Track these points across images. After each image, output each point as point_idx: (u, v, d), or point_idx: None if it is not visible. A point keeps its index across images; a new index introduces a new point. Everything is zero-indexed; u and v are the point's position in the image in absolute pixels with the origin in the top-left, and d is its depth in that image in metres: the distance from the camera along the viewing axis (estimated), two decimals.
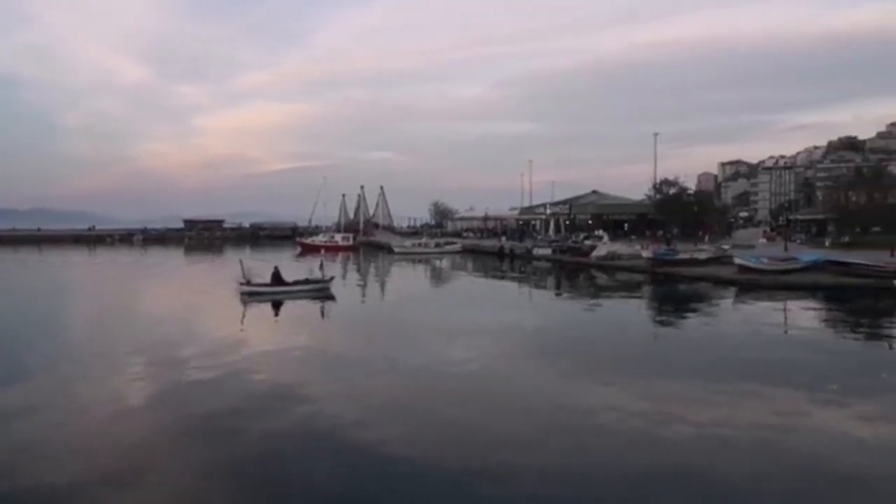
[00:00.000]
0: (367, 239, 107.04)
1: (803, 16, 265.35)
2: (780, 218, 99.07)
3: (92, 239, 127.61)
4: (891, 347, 22.00)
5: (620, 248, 55.45)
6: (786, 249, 47.11)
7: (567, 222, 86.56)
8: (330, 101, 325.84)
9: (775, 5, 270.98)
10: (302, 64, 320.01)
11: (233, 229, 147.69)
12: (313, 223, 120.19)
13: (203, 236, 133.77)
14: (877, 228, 54.04)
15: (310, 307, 31.32)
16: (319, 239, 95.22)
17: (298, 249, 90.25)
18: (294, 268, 46.13)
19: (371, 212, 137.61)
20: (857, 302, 30.17)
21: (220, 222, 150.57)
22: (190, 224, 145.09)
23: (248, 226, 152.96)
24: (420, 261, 68.73)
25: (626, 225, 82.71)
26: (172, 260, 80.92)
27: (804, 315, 28.18)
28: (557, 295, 37.23)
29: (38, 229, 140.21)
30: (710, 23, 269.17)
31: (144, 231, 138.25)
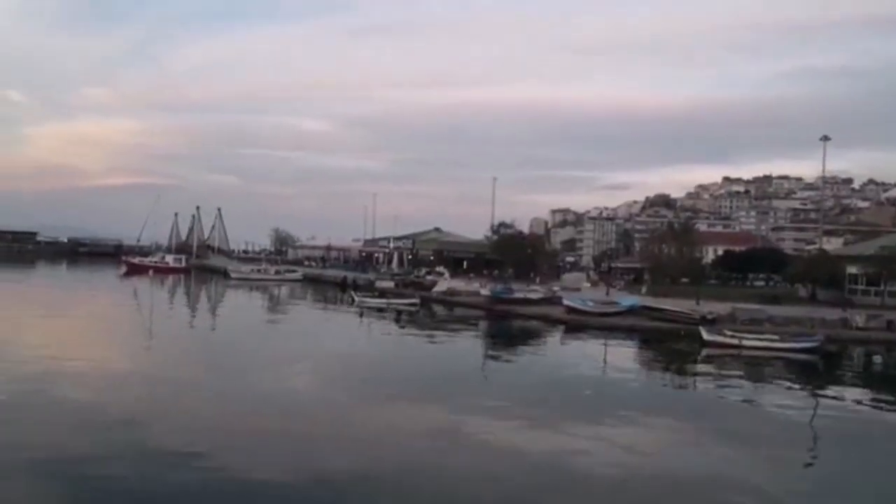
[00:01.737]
0: (200, 262, 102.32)
1: (620, 92, 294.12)
2: (603, 264, 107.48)
3: None
4: (695, 387, 24.82)
5: (460, 284, 57.43)
6: (608, 294, 51.19)
7: (410, 256, 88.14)
8: (171, 124, 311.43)
9: (593, 82, 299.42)
10: (144, 87, 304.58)
11: (48, 243, 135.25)
12: (142, 242, 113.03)
13: (13, 248, 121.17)
14: (685, 279, 60.16)
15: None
16: (149, 259, 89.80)
17: (124, 269, 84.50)
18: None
19: (206, 234, 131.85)
20: (667, 344, 33.53)
21: (34, 234, 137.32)
22: None
23: (66, 240, 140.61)
24: (258, 287, 66.88)
25: (465, 262, 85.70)
26: None
27: (620, 353, 31.00)
28: (401, 327, 37.91)
29: None
30: (538, 90, 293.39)
31: None
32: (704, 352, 30.46)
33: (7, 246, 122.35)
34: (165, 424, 14.55)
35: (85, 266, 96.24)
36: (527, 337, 36.22)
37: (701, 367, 28.23)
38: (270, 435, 14.06)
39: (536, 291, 50.86)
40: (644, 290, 55.45)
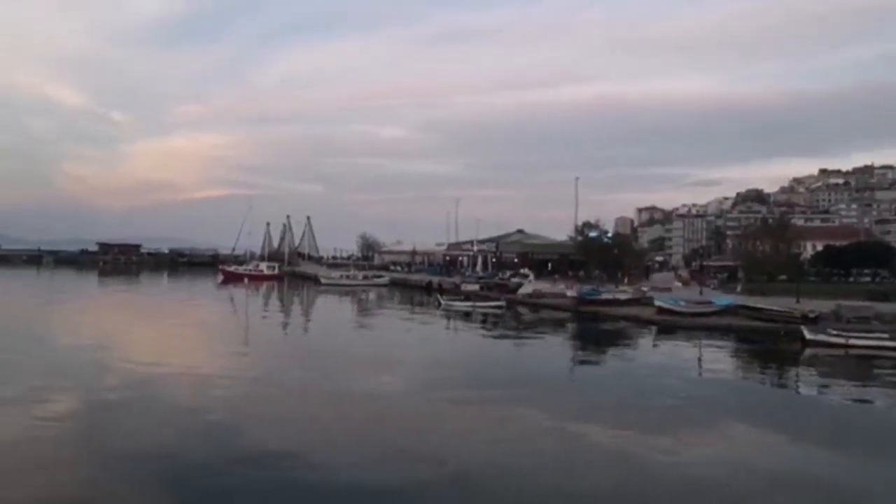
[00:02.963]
0: (292, 269, 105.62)
1: (709, 87, 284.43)
2: (694, 263, 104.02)
3: None
4: (798, 391, 23.69)
5: (545, 286, 57.02)
6: (701, 293, 49.61)
7: (493, 259, 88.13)
8: (260, 136, 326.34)
9: (677, 77, 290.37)
10: (234, 101, 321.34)
11: (150, 254, 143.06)
12: (237, 251, 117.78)
13: (119, 260, 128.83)
14: (782, 276, 57.58)
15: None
16: (244, 268, 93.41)
17: (221, 277, 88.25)
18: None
19: (297, 242, 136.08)
20: (766, 344, 32.17)
21: (137, 247, 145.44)
22: (105, 247, 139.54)
23: (166, 251, 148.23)
24: (347, 293, 68.44)
25: (549, 264, 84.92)
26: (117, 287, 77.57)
27: (716, 354, 29.96)
28: (487, 330, 38.01)
29: None
30: (618, 88, 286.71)
31: (55, 252, 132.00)
32: (807, 352, 29.10)
33: (114, 258, 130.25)
34: (262, 424, 15.24)
35: (185, 275, 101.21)
36: (617, 339, 35.56)
37: (804, 369, 26.98)
38: (364, 435, 14.40)
39: (625, 292, 49.93)
40: (739, 288, 53.49)
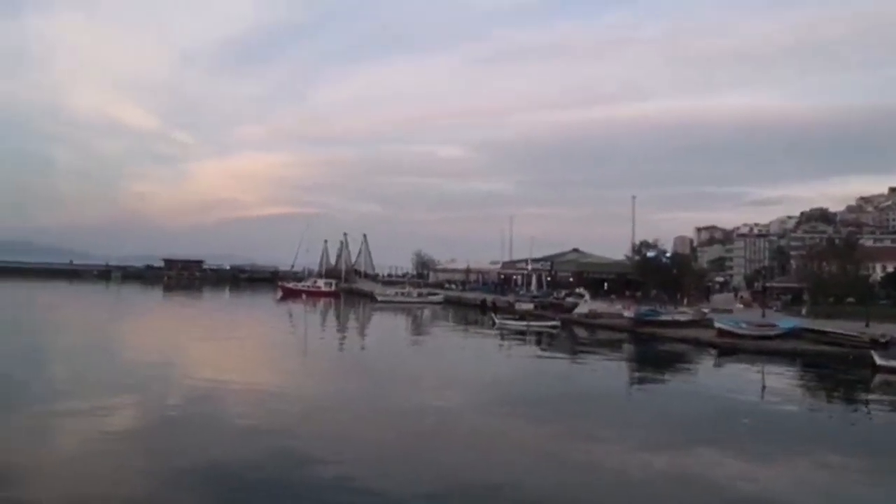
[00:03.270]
0: (348, 286, 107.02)
1: (769, 101, 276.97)
2: (756, 284, 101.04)
3: (68, 273, 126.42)
4: (870, 419, 22.78)
5: (601, 306, 56.33)
6: (763, 315, 48.23)
7: (548, 278, 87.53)
8: (318, 156, 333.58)
9: (736, 94, 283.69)
10: (295, 121, 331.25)
11: (213, 270, 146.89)
12: (295, 268, 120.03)
13: (182, 276, 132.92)
14: (850, 299, 55.49)
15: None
16: (302, 284, 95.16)
17: (280, 293, 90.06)
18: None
19: (353, 259, 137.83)
20: (833, 370, 31.05)
21: (200, 263, 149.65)
22: (169, 263, 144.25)
23: (228, 267, 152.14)
24: (402, 310, 68.97)
25: (605, 284, 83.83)
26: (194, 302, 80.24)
27: (780, 379, 29.01)
28: (542, 349, 37.78)
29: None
30: (676, 104, 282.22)
31: (123, 268, 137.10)
32: (878, 378, 27.96)
33: (177, 274, 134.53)
34: (317, 438, 15.64)
35: (245, 291, 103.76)
36: (675, 361, 34.86)
37: (874, 396, 25.92)
38: (416, 451, 14.54)
39: (684, 313, 48.94)
40: (804, 311, 51.76)
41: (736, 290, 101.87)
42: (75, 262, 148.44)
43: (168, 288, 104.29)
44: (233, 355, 31.47)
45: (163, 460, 13.37)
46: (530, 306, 61.91)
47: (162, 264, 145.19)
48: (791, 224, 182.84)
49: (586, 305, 56.60)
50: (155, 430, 15.79)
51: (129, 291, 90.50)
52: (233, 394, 20.69)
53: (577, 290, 69.77)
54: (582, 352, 38.31)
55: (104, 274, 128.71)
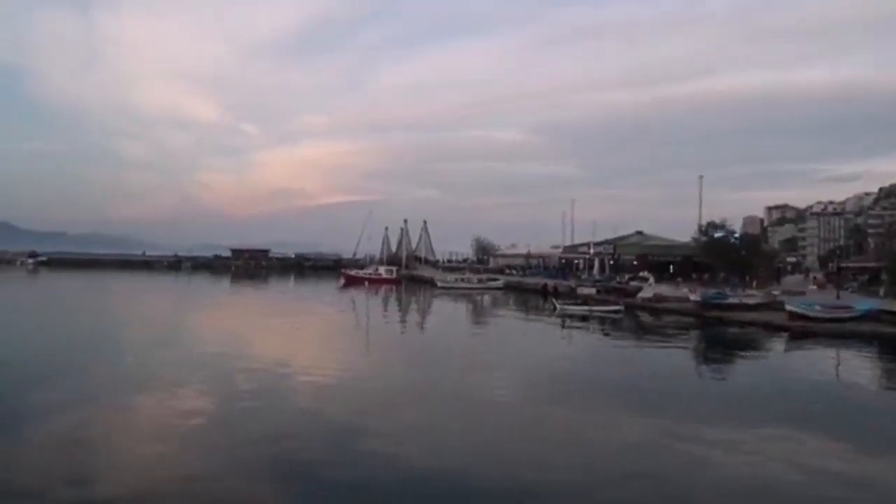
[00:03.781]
0: (409, 272, 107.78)
1: (844, 74, 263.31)
2: (830, 264, 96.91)
3: (141, 264, 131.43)
4: None
5: (667, 290, 55.10)
6: (838, 297, 46.30)
7: (611, 262, 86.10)
8: (379, 143, 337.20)
9: (806, 67, 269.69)
10: (356, 110, 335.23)
11: (278, 259, 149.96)
12: (357, 255, 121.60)
13: (249, 265, 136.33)
14: None
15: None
16: (364, 272, 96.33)
17: (342, 281, 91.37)
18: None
19: (413, 246, 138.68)
20: None
21: (266, 252, 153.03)
22: (236, 252, 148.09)
23: (293, 256, 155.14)
24: (462, 296, 69.04)
25: (671, 267, 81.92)
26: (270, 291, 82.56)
27: (856, 363, 27.77)
28: (605, 335, 37.21)
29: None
30: (745, 80, 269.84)
31: (192, 258, 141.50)
32: None
33: (244, 263, 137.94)
34: (379, 424, 15.65)
35: (309, 279, 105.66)
36: (744, 345, 33.81)
37: None
38: (481, 441, 14.44)
39: (754, 296, 47.46)
40: (882, 291, 49.39)
41: (808, 271, 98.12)
42: (147, 253, 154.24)
43: (235, 277, 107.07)
44: (300, 342, 32.05)
45: (235, 444, 13.67)
46: (592, 291, 61.11)
47: (229, 254, 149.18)
48: (868, 201, 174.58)
49: (651, 289, 55.52)
50: (228, 414, 16.22)
51: (199, 281, 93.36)
52: (301, 380, 21.10)
53: (641, 274, 68.52)
54: (647, 337, 37.54)
55: (174, 264, 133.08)
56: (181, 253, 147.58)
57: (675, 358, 29.94)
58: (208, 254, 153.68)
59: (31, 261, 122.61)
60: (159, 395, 18.21)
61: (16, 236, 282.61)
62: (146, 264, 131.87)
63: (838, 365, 28.14)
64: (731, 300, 45.59)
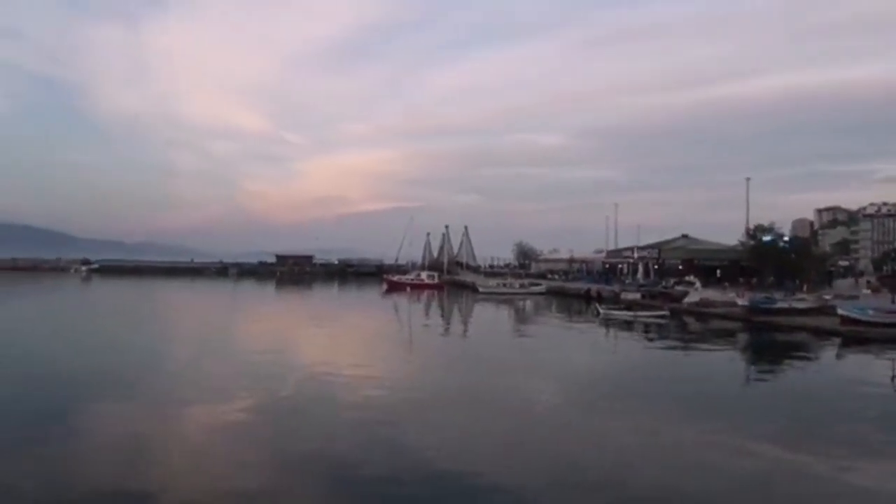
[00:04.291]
0: (451, 278, 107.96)
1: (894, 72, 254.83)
2: (885, 268, 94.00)
3: (190, 270, 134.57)
4: None
5: (713, 294, 54.11)
6: (893, 301, 44.78)
7: (656, 266, 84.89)
8: (420, 150, 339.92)
9: (863, 65, 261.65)
10: (397, 117, 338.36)
11: (322, 265, 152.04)
12: (399, 261, 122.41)
13: (294, 271, 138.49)
14: None
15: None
16: (406, 277, 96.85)
17: (385, 286, 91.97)
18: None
19: (455, 251, 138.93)
20: None
21: (310, 258, 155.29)
22: (281, 259, 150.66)
23: (336, 262, 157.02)
24: (504, 301, 68.87)
25: (717, 271, 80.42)
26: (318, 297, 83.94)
27: None
28: (650, 340, 36.70)
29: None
30: (794, 80, 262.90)
31: (238, 265, 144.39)
32: None
33: (289, 269, 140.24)
34: (420, 427, 15.78)
35: (352, 285, 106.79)
36: (794, 351, 32.93)
37: None
38: (524, 446, 14.41)
39: (804, 300, 46.28)
40: None
41: (862, 275, 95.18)
42: (195, 259, 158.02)
43: (280, 283, 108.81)
44: (345, 347, 32.43)
45: (281, 447, 13.94)
46: (637, 296, 60.34)
47: (274, 260, 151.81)
48: None
49: (697, 294, 54.58)
50: (275, 418, 16.54)
51: (246, 287, 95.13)
52: (346, 384, 21.32)
53: (687, 278, 67.49)
54: (693, 342, 36.88)
55: (221, 270, 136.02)
56: (226, 260, 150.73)
57: (723, 364, 29.38)
58: (253, 260, 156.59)
59: (84, 268, 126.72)
60: (213, 398, 18.68)
61: (73, 245, 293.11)
62: (194, 271, 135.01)
63: (894, 372, 27.24)
64: (781, 305, 44.51)
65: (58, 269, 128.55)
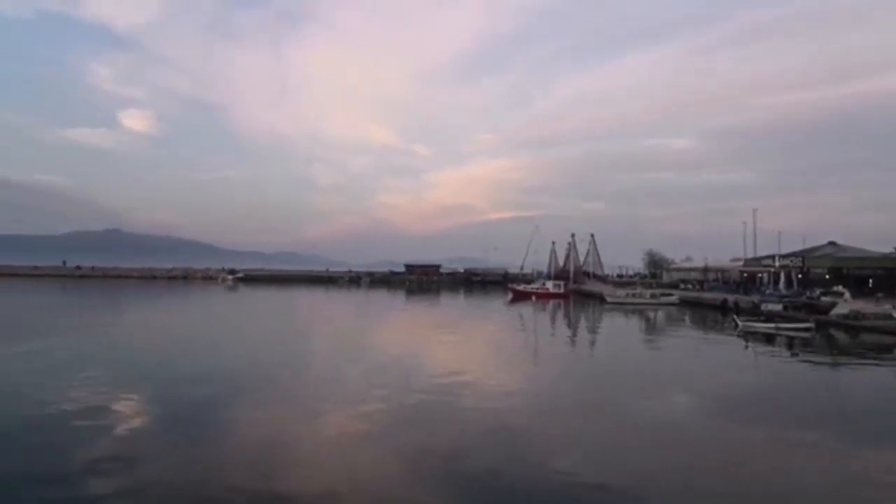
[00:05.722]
0: (577, 287, 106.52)
1: None
2: None
3: (324, 279, 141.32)
4: None
5: (866, 306, 50.14)
6: None
7: (799, 276, 79.72)
8: (545, 158, 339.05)
9: None
10: (522, 126, 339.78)
11: (448, 274, 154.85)
12: (524, 270, 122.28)
13: (422, 280, 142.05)
14: None
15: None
16: (531, 286, 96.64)
17: (510, 296, 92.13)
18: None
19: (581, 260, 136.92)
20: None
21: (437, 267, 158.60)
22: (410, 268, 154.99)
23: (462, 271, 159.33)
24: (633, 311, 67.06)
25: (870, 281, 74.36)
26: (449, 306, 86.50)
27: None
28: (794, 355, 34.56)
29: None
30: None
31: (370, 274, 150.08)
32: None
33: (418, 278, 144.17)
34: (557, 438, 15.74)
35: (478, 294, 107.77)
36: None
37: None
38: (658, 465, 14.08)
39: None
40: None
41: None
42: (330, 269, 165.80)
43: (410, 291, 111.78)
44: (471, 354, 32.95)
45: (400, 447, 14.55)
46: (779, 307, 56.96)
47: (403, 269, 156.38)
48: None
49: (846, 305, 50.79)
50: (399, 424, 17.17)
51: (377, 295, 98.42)
52: (469, 388, 21.86)
53: (835, 289, 63.01)
54: (843, 358, 34.32)
55: (354, 280, 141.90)
56: (357, 269, 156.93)
57: (879, 383, 27.14)
58: (385, 269, 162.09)
59: (230, 277, 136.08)
60: (349, 402, 19.64)
61: (217, 255, 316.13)
62: (330, 280, 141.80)
63: None
64: None
65: (207, 277, 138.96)
